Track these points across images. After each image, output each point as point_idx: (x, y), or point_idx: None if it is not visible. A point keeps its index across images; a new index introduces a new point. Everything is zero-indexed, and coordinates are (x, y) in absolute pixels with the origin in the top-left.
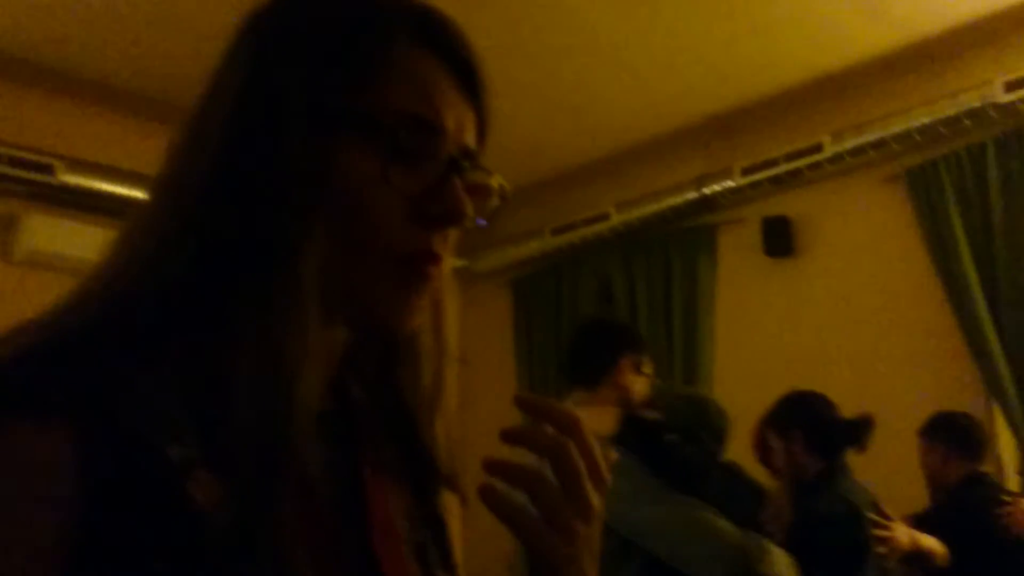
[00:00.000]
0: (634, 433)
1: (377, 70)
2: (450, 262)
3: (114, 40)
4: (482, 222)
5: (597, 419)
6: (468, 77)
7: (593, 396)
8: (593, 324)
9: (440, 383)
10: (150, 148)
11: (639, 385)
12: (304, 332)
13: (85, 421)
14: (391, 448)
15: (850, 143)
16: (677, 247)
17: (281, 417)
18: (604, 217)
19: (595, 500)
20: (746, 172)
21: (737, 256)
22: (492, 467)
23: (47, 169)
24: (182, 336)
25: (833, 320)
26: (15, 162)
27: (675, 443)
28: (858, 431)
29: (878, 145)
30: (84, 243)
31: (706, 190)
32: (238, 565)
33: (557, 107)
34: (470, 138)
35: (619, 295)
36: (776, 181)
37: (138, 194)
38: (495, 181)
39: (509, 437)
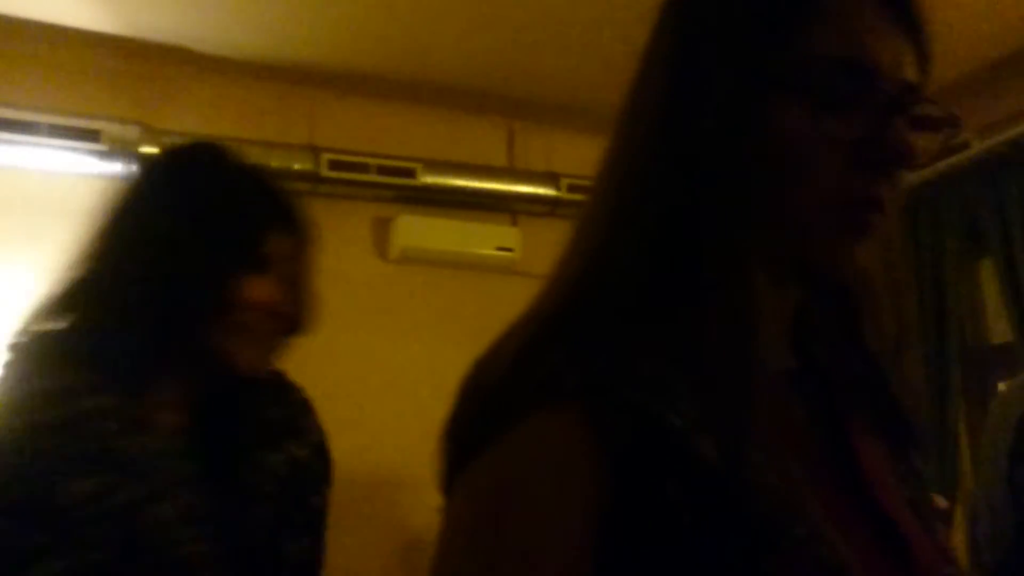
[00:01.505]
0: None
1: (802, 19)
2: (897, 204)
3: (453, 45)
4: (932, 158)
5: None
6: (901, 7)
7: None
8: None
9: (903, 332)
10: (493, 141)
11: None
12: (751, 291)
13: (594, 401)
14: (863, 403)
15: None
16: None
17: (743, 375)
18: (964, 146)
19: None
20: None
21: None
22: None
23: (409, 173)
24: (657, 311)
25: None
26: (383, 170)
27: None
28: None
29: None
30: (445, 236)
31: None
32: (758, 517)
33: None
34: (910, 71)
35: (987, 228)
36: None
37: (487, 185)
38: (944, 111)
39: None
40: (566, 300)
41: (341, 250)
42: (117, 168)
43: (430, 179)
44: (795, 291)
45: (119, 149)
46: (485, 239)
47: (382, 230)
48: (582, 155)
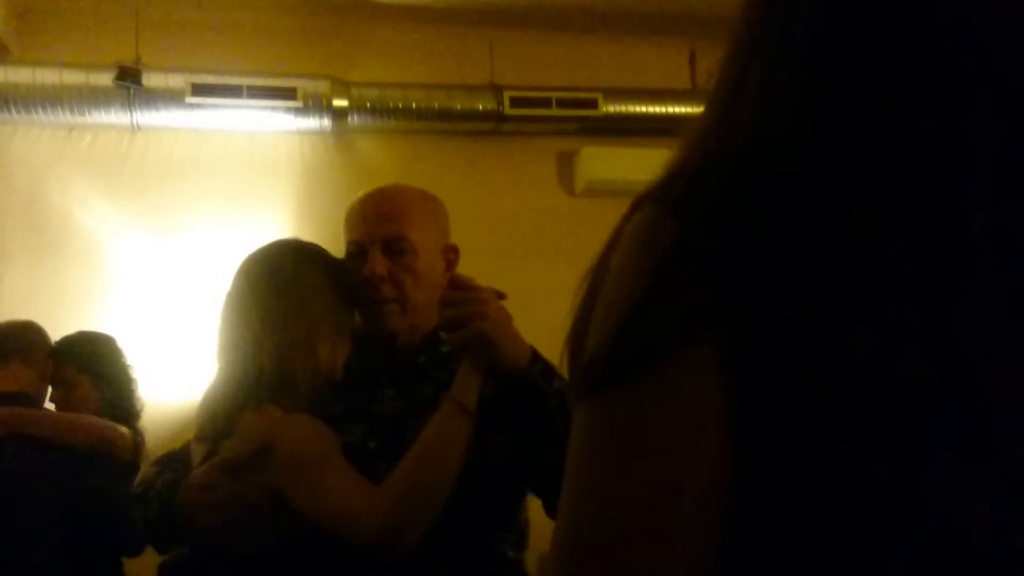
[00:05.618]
0: None
1: None
2: None
3: None
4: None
5: None
6: None
7: None
8: None
9: None
10: (675, 64)
11: None
12: None
13: None
14: None
15: None
16: None
17: None
18: None
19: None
20: None
21: None
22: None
23: (591, 104)
24: None
25: None
26: (564, 103)
27: None
28: None
29: None
30: (630, 166)
31: None
32: None
33: None
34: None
35: None
36: None
37: (671, 109)
38: None
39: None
40: None
41: (527, 187)
42: (312, 124)
43: (612, 108)
44: None
45: (312, 105)
46: None
47: (567, 165)
48: None
